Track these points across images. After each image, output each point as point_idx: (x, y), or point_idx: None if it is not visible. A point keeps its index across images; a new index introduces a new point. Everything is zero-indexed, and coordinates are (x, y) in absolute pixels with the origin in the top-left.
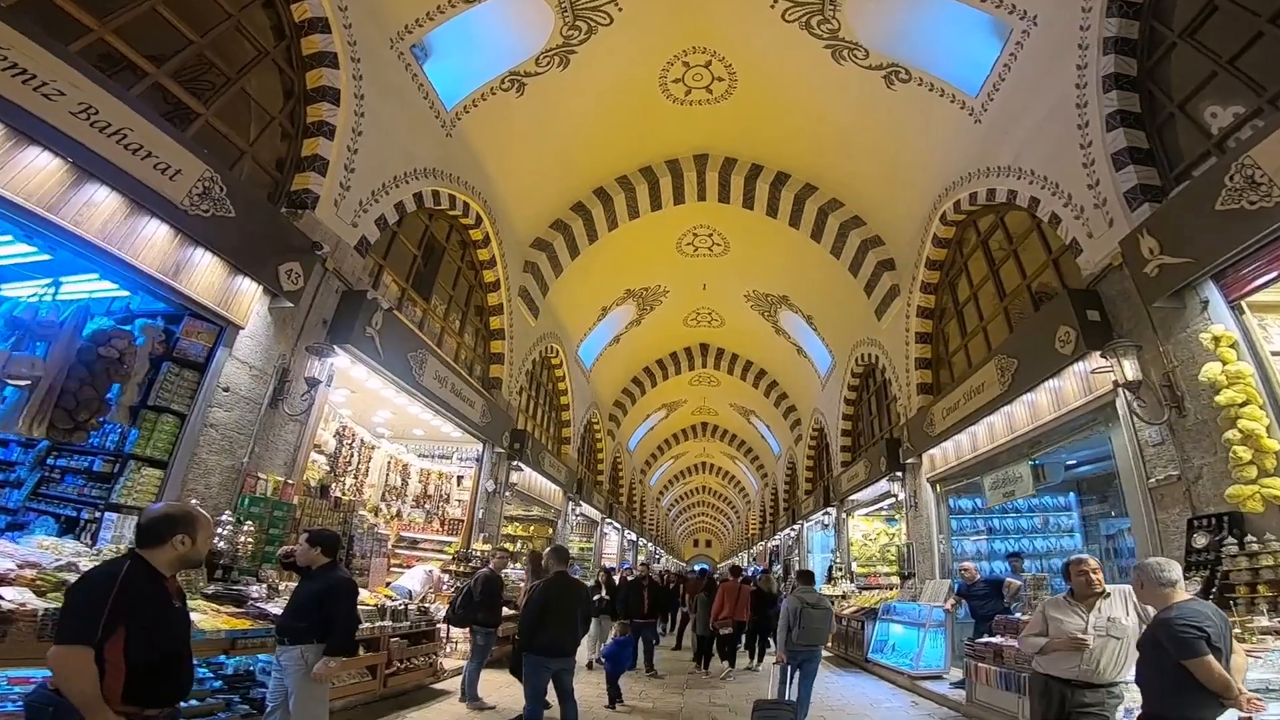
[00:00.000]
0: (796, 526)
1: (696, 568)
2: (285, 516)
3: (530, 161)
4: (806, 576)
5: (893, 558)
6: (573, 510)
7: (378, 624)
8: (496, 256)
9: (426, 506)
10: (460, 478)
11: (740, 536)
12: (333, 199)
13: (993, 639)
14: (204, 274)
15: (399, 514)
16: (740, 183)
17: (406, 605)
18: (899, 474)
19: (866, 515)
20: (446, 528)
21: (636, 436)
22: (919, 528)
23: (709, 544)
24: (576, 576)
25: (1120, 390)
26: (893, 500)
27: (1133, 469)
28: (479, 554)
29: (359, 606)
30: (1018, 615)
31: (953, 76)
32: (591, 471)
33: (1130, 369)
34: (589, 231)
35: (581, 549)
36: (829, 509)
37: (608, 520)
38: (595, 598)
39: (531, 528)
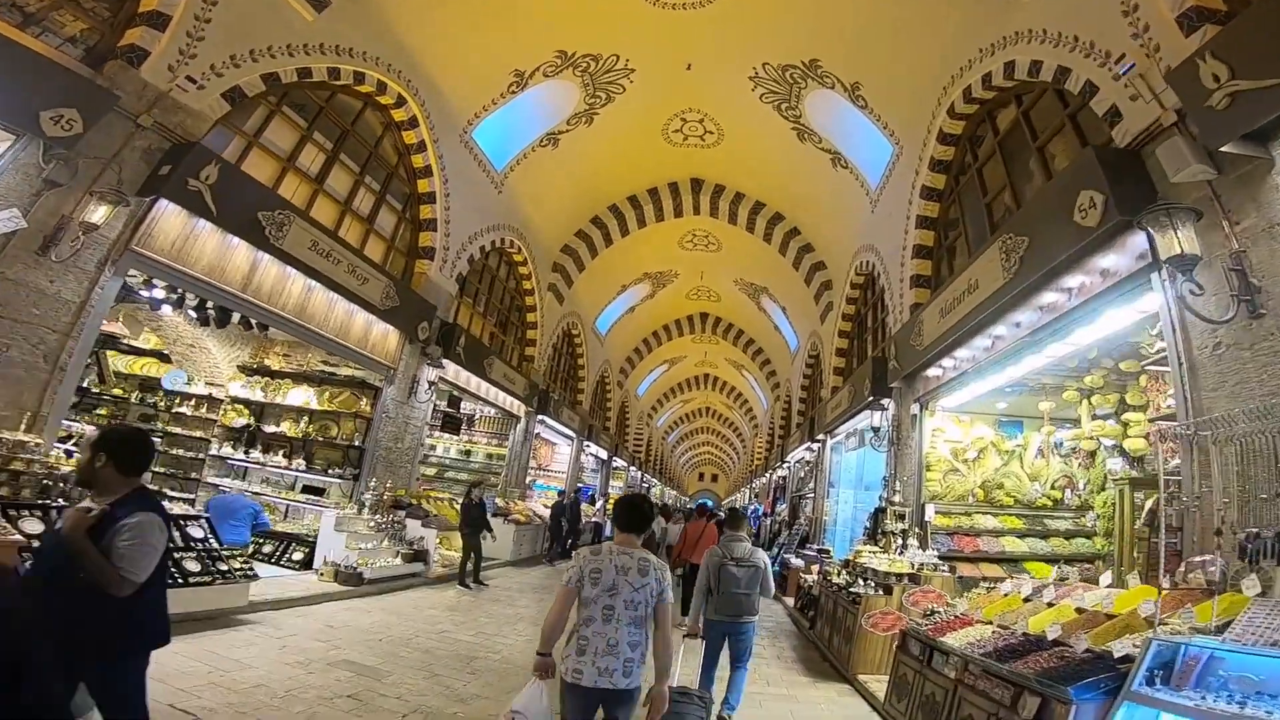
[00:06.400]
0: (816, 444)
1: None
2: None
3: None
4: (734, 519)
5: (1011, 498)
6: (430, 373)
7: None
8: None
9: None
10: None
11: (745, 470)
12: None
13: None
14: None
15: None
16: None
17: None
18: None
19: (962, 414)
20: None
21: (609, 315)
22: None
23: (715, 479)
24: None
25: None
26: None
27: None
28: None
29: None
30: None
31: None
32: (515, 340)
33: None
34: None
35: (492, 457)
36: (884, 400)
37: (541, 419)
38: None
39: (327, 394)
